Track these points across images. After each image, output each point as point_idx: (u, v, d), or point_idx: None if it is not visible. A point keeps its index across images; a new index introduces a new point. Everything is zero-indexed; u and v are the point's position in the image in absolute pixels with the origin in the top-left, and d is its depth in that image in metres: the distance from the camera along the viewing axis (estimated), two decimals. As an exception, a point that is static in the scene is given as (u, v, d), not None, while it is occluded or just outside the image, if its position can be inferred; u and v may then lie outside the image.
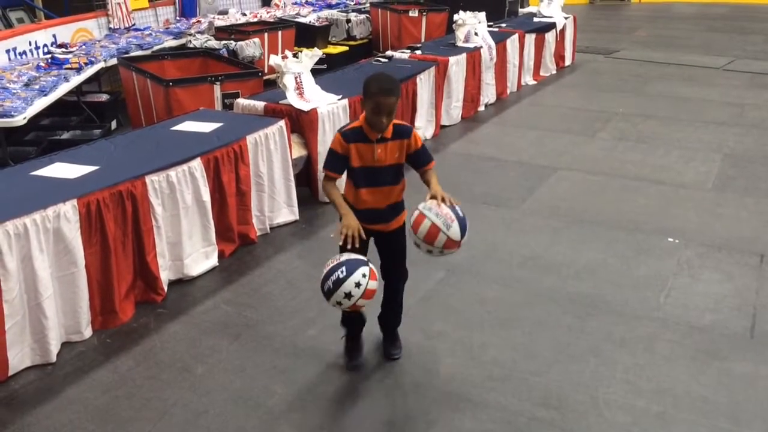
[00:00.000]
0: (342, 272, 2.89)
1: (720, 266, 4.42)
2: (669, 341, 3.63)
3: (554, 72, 9.91)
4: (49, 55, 6.81)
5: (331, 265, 2.95)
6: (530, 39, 9.06)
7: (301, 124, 5.24)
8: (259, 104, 5.43)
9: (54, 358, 3.43)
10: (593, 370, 3.40)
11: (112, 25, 8.24)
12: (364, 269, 2.92)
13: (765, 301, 4.01)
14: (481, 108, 7.96)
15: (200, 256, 4.29)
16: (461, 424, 3.06)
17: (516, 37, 8.60)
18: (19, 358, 3.33)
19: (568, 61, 10.40)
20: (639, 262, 4.46)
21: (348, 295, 2.88)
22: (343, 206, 3.09)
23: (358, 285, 2.89)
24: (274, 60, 5.35)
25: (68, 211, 3.47)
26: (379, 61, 7.11)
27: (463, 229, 3.03)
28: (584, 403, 3.17)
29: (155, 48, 7.53)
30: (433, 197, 3.03)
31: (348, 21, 10.41)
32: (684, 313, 3.89)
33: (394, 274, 3.34)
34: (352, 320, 3.41)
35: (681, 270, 4.37)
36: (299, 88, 5.36)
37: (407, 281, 3.41)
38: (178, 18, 9.46)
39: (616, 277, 4.27)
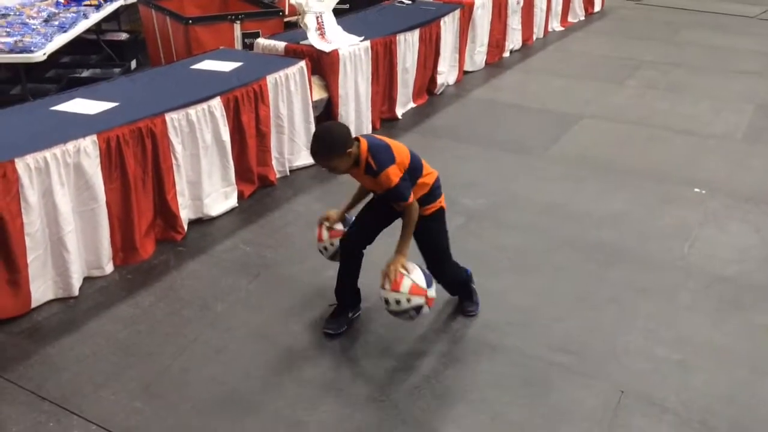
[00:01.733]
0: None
1: (747, 218, 4.33)
2: (691, 291, 3.59)
3: (582, 18, 9.62)
4: (69, -8, 6.70)
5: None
6: (559, -17, 8.78)
7: (322, 65, 5.14)
8: (280, 44, 5.33)
9: (76, 292, 3.47)
10: (614, 318, 3.38)
11: (131, -38, 8.08)
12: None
13: (792, 253, 3.94)
14: (506, 54, 7.77)
15: (220, 196, 4.28)
16: (477, 365, 3.06)
17: (544, -20, 8.33)
18: (41, 291, 3.37)
19: (597, 7, 10.08)
20: (664, 212, 4.38)
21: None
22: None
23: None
24: (296, -1, 5.22)
25: (88, 146, 3.45)
26: (403, 3, 6.93)
27: (428, 280, 2.98)
28: (603, 349, 3.16)
29: (175, -14, 7.37)
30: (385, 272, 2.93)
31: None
32: (708, 263, 3.83)
33: (431, 269, 3.13)
34: (345, 295, 3.29)
35: (707, 221, 4.29)
36: (321, 29, 5.25)
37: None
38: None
39: (640, 227, 4.21)
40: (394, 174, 2.87)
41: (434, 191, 3.08)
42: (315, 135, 2.93)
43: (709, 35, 8.96)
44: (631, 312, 3.42)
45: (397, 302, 2.92)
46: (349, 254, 3.21)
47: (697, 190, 4.68)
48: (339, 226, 3.31)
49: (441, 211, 3.13)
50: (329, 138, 2.86)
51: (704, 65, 7.57)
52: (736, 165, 5.08)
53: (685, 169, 4.99)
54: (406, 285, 2.90)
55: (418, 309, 2.95)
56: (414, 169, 2.98)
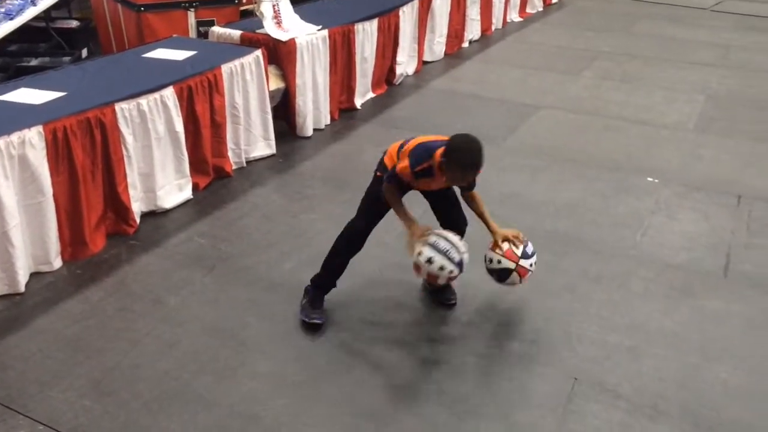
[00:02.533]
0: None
1: (697, 206, 4.42)
2: (643, 278, 3.65)
3: (541, 9, 9.69)
4: (15, -22, 6.47)
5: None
6: (517, -26, 8.82)
7: (279, 54, 5.07)
8: (235, 33, 5.24)
9: (22, 288, 3.36)
10: (568, 306, 3.41)
11: (81, -52, 7.85)
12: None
13: (740, 240, 4.03)
14: (465, 44, 7.79)
15: (174, 188, 4.20)
16: (435, 356, 3.07)
17: (503, -29, 8.36)
18: (-15, 288, 3.27)
19: (555, -1, 10.18)
20: (618, 201, 4.45)
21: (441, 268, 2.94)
22: (407, 216, 3.04)
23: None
24: (251, -14, 5.14)
25: (34, 137, 3.34)
26: (361, -8, 6.87)
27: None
28: (558, 337, 3.19)
29: (127, -27, 7.18)
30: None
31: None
32: (659, 251, 3.90)
33: (458, 218, 3.22)
34: (334, 283, 3.26)
35: (659, 209, 4.36)
36: (277, 17, 5.17)
37: None
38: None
39: (594, 216, 4.26)
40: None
41: None
42: (478, 147, 2.85)
43: (665, 27, 9.11)
44: (585, 300, 3.46)
45: (490, 261, 3.19)
46: (361, 243, 3.19)
47: (650, 179, 4.76)
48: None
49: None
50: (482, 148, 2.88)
51: (659, 56, 7.70)
52: (687, 154, 5.18)
53: (639, 159, 5.07)
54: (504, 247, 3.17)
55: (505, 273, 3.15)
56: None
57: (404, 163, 2.95)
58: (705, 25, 9.32)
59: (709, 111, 6.07)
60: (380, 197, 3.08)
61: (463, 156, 2.85)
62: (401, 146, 3.08)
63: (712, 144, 5.38)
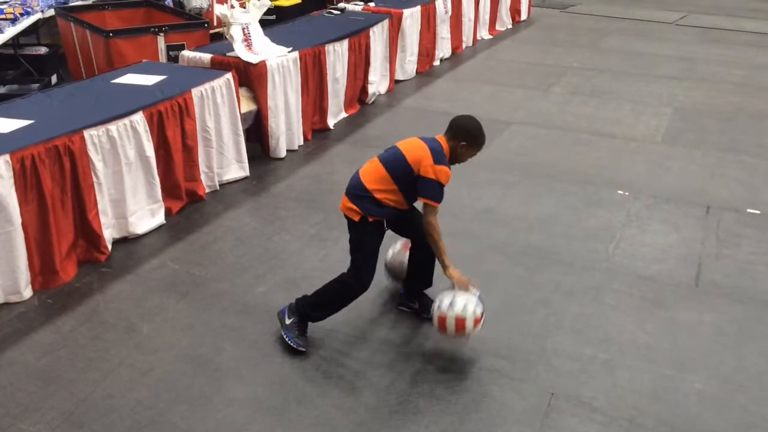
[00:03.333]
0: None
1: (667, 218, 4.49)
2: (616, 291, 3.69)
3: (510, 26, 9.83)
4: (-18, 5, 6.42)
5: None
6: (486, -8, 8.94)
7: (250, 77, 5.08)
8: (206, 56, 5.24)
9: (-9, 320, 3.31)
10: (542, 321, 3.44)
11: (49, -26, 7.81)
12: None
13: (710, 250, 4.10)
14: (436, 63, 7.86)
15: (146, 214, 4.17)
16: (410, 375, 3.06)
17: (471, -10, 8.47)
18: (-47, 321, 3.20)
19: (523, 16, 10.32)
20: (589, 215, 4.50)
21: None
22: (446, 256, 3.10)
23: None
24: (221, 10, 5.16)
25: (1, 166, 3.30)
26: (332, 13, 6.93)
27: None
28: (533, 352, 3.21)
29: (96, -2, 7.15)
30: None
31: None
32: (631, 263, 3.95)
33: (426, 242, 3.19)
34: (318, 319, 3.22)
35: (630, 222, 4.42)
36: (247, 40, 5.18)
37: None
38: (121, -33, 9.03)
39: (566, 230, 4.30)
40: None
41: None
42: (479, 124, 3.14)
43: (631, 41, 9.29)
44: (559, 314, 3.49)
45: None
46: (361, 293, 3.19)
47: (620, 192, 4.82)
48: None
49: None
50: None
51: (626, 70, 7.84)
52: (656, 167, 5.27)
53: (609, 172, 5.14)
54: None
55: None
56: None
57: (442, 169, 2.99)
58: (670, 39, 9.52)
59: (677, 123, 6.19)
60: (373, 243, 3.07)
61: (481, 133, 3.14)
62: (389, 166, 3.05)
63: (680, 156, 5.48)
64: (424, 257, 3.28)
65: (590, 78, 7.53)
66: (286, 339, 3.17)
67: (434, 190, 2.99)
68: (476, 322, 3.02)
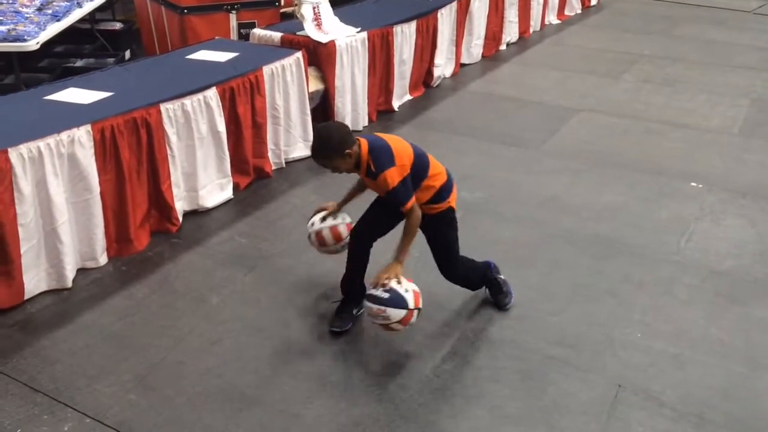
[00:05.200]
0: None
1: (743, 212, 4.33)
2: (688, 285, 3.58)
3: (579, 11, 9.59)
4: (62, -19, 6.62)
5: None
6: (556, -24, 8.74)
7: (319, 56, 5.10)
8: (276, 35, 5.29)
9: (70, 284, 3.44)
10: (610, 311, 3.37)
11: (125, -49, 8.00)
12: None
13: (788, 248, 3.94)
14: (503, 47, 7.74)
15: (215, 188, 4.25)
16: (475, 360, 3.05)
17: (541, -27, 8.29)
18: (35, 283, 3.34)
19: (593, 1, 10.06)
20: (661, 206, 4.37)
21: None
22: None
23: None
24: (292, -11, 5.18)
25: (82, 136, 3.42)
26: (400, -6, 6.88)
27: (400, 305, 2.85)
28: (600, 342, 3.15)
29: (170, -24, 7.29)
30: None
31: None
32: (704, 257, 3.83)
33: (440, 268, 3.17)
34: (351, 290, 3.24)
35: (703, 215, 4.28)
36: (317, 20, 5.21)
37: None
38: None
39: (636, 220, 4.20)
40: (391, 177, 2.82)
41: (441, 192, 3.01)
42: (315, 134, 2.94)
43: (707, 30, 8.95)
44: (628, 305, 3.41)
45: (370, 310, 2.88)
46: (357, 245, 3.18)
47: (693, 184, 4.67)
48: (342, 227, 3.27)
49: (449, 210, 3.06)
50: (328, 138, 2.83)
51: (701, 59, 7.56)
52: (732, 159, 5.08)
53: (682, 163, 4.98)
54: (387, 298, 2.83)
55: (388, 323, 2.87)
56: (418, 171, 2.92)
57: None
58: (748, 28, 9.13)
59: (754, 115, 5.94)
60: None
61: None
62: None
63: (758, 149, 5.26)
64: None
65: (663, 66, 7.29)
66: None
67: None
68: (348, 227, 3.22)
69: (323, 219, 3.30)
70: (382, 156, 2.85)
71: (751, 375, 2.98)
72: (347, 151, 2.82)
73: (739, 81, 6.85)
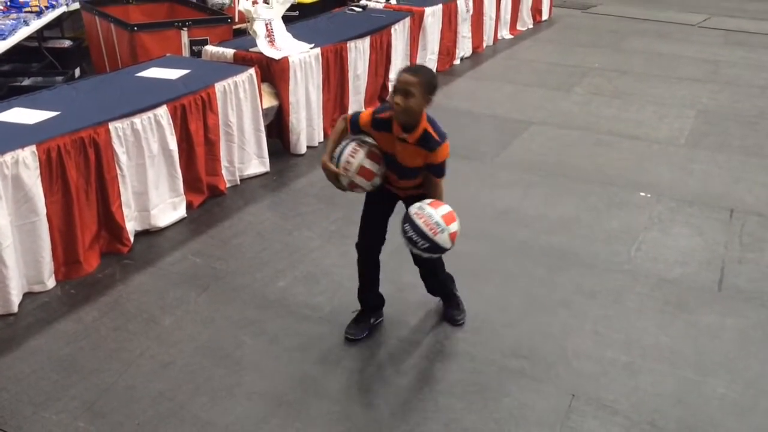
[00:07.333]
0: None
1: (690, 221, 4.44)
2: (638, 294, 3.66)
3: (531, 26, 9.78)
4: (8, -2, 6.49)
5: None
6: (507, -9, 8.89)
7: (272, 73, 5.09)
8: (229, 51, 5.26)
9: (15, 309, 3.34)
10: (563, 322, 3.42)
11: (74, -32, 7.88)
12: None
13: (733, 255, 4.05)
14: (457, 61, 7.84)
15: (168, 207, 4.19)
16: (431, 373, 3.06)
17: (493, -11, 8.43)
18: (-22, 309, 3.24)
19: (545, 16, 10.26)
20: (611, 216, 4.47)
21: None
22: (329, 148, 3.00)
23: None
24: (244, 5, 5.18)
25: (27, 157, 3.34)
26: (353, 11, 6.93)
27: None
28: (553, 353, 3.19)
29: (120, -8, 7.20)
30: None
31: (322, -31, 10.10)
32: (653, 266, 3.91)
33: (423, 269, 3.21)
34: (368, 299, 3.26)
35: (652, 224, 4.39)
36: (270, 36, 5.20)
37: None
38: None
39: (588, 231, 4.27)
40: (448, 149, 2.90)
41: None
42: (421, 65, 2.94)
43: (653, 43, 9.21)
44: (581, 316, 3.46)
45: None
46: (367, 256, 3.17)
47: (642, 194, 4.78)
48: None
49: None
50: (434, 76, 2.84)
51: (649, 72, 7.77)
52: (679, 169, 5.22)
53: (631, 174, 5.10)
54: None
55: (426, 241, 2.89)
56: None
57: (367, 111, 2.96)
58: (693, 41, 9.43)
59: (700, 126, 6.13)
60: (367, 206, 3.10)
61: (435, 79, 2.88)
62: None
63: (704, 159, 5.42)
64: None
65: (612, 79, 7.47)
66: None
67: None
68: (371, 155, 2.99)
69: (353, 154, 2.97)
70: (441, 128, 2.90)
71: (700, 381, 3.05)
72: (432, 98, 2.81)
73: (685, 93, 7.05)
